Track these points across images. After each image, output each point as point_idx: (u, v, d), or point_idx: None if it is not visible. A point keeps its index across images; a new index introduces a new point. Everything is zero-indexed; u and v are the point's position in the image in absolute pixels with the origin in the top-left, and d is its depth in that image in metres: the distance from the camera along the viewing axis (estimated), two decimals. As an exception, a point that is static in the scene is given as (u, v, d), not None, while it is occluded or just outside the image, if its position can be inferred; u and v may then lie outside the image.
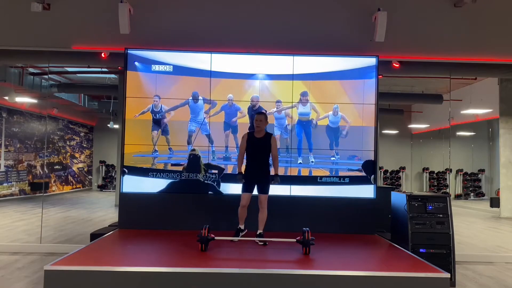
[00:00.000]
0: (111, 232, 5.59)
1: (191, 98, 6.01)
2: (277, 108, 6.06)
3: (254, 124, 5.20)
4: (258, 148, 5.15)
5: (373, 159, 6.01)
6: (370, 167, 6.00)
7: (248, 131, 5.48)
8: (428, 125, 12.84)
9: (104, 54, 6.13)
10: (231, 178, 5.83)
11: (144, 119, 5.98)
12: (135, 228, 5.74)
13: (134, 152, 5.97)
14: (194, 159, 5.95)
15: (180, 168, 5.97)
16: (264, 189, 5.13)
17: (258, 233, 5.11)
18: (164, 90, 6.01)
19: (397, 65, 6.25)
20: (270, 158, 5.21)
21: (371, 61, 6.04)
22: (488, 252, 6.71)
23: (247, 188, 5.14)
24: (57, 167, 14.38)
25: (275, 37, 6.14)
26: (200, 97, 6.02)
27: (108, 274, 3.71)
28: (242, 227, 5.16)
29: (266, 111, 5.83)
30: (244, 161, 5.24)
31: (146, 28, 6.07)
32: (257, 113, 5.31)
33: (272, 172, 5.22)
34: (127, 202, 5.90)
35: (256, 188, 5.17)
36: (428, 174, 14.23)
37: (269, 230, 5.20)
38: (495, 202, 11.24)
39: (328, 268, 4.00)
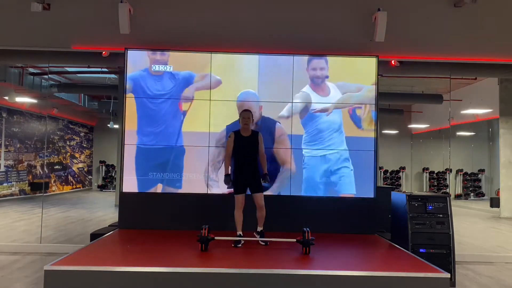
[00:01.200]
0: (111, 232, 5.59)
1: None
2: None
3: (240, 122, 5.08)
4: (247, 147, 5.05)
5: (373, 159, 6.01)
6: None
7: (233, 131, 5.23)
8: (428, 125, 12.85)
9: (105, 53, 6.14)
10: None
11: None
12: (135, 228, 5.74)
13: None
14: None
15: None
16: (258, 188, 5.05)
17: (258, 230, 5.09)
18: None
19: (394, 64, 6.26)
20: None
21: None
22: (488, 252, 6.71)
23: (240, 189, 5.02)
24: (57, 167, 14.39)
25: (275, 37, 6.13)
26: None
27: (108, 274, 3.71)
28: (241, 233, 5.01)
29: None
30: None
31: (146, 28, 6.08)
32: (243, 110, 5.18)
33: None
34: (127, 202, 5.90)
35: (248, 188, 5.07)
36: (428, 174, 14.26)
37: (269, 230, 5.19)
38: (495, 202, 11.25)
39: (328, 268, 3.99)
